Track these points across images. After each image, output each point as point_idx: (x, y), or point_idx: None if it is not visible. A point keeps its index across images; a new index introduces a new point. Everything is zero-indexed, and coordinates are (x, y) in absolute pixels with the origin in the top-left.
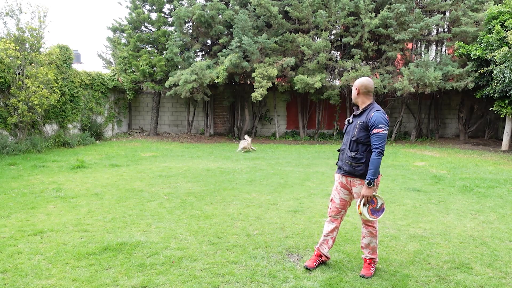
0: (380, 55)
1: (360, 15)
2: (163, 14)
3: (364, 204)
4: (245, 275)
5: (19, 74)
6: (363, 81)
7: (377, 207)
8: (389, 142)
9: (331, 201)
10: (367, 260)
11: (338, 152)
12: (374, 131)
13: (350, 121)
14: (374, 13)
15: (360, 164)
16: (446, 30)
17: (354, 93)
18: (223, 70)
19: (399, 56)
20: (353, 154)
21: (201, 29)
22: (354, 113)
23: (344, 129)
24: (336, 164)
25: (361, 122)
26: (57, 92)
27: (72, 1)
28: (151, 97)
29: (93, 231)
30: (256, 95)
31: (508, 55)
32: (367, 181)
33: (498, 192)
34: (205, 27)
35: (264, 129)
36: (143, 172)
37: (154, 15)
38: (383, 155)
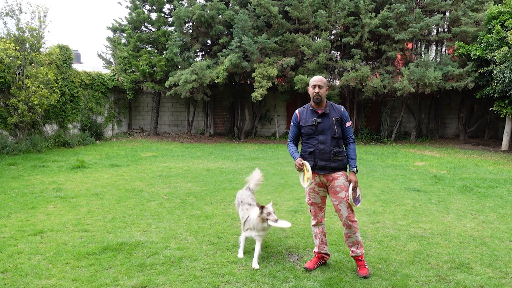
0: (380, 55)
1: (360, 15)
2: (163, 14)
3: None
4: (245, 275)
5: (19, 74)
6: (325, 79)
7: (357, 196)
8: (389, 142)
9: (311, 204)
10: (359, 258)
11: (311, 155)
12: (348, 124)
13: (319, 121)
14: (374, 13)
15: (344, 157)
16: (446, 30)
17: (324, 91)
18: (223, 70)
19: (399, 56)
20: (337, 149)
21: (201, 29)
22: (323, 112)
23: (311, 130)
24: (312, 166)
25: (337, 118)
26: (57, 92)
27: (72, 1)
28: (151, 97)
29: (93, 231)
30: (256, 95)
31: (508, 55)
32: (355, 168)
33: (498, 192)
34: (205, 27)
35: (264, 129)
36: (143, 172)
37: (154, 15)
38: None
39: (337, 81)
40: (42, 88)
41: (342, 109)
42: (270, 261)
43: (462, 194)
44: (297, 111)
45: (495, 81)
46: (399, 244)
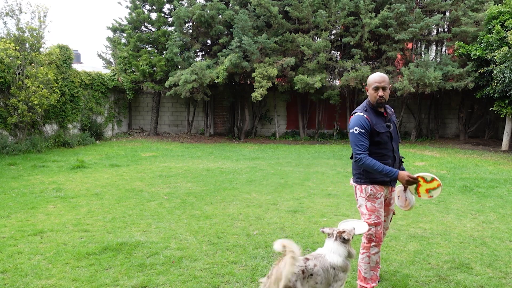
0: (380, 55)
1: (360, 15)
2: (163, 14)
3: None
4: (245, 275)
5: (19, 74)
6: (387, 77)
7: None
8: None
9: (379, 224)
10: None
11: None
12: None
13: (391, 126)
14: (374, 13)
15: None
16: (446, 30)
17: (388, 92)
18: (223, 70)
19: (399, 56)
20: (402, 156)
21: (201, 29)
22: (391, 115)
23: (387, 137)
24: (387, 181)
25: (395, 122)
26: (57, 92)
27: (72, 1)
28: (151, 97)
29: (93, 231)
30: (256, 95)
31: (508, 55)
32: None
33: (498, 192)
34: (205, 27)
35: (264, 129)
36: (143, 172)
37: (154, 15)
38: None
39: (337, 81)
40: (42, 88)
41: (392, 110)
42: (270, 261)
43: (462, 194)
44: (363, 114)
45: (495, 81)
46: (399, 244)
